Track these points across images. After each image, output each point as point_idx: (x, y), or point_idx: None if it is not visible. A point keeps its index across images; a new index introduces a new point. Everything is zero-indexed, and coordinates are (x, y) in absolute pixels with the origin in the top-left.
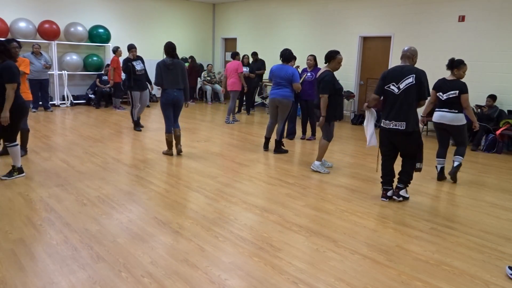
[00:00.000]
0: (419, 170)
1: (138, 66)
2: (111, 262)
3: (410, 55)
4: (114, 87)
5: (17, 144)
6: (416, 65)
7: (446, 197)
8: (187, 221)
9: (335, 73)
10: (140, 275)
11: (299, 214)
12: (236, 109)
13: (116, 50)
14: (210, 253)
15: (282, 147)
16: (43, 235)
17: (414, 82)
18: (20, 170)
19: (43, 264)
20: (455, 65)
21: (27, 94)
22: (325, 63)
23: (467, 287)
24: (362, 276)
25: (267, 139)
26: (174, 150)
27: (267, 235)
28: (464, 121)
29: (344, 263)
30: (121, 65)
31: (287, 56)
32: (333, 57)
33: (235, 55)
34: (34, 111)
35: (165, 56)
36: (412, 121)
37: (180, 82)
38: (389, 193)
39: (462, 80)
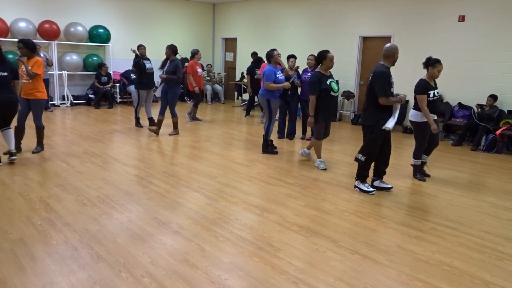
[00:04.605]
0: (357, 160)
1: (147, 65)
2: (111, 262)
3: (391, 54)
4: (189, 95)
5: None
6: (414, 65)
7: (446, 197)
8: (187, 221)
9: (334, 71)
10: (140, 275)
11: (299, 214)
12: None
13: (195, 53)
14: (210, 253)
15: (273, 148)
16: (43, 235)
17: (370, 80)
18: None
19: (43, 264)
20: (430, 63)
21: (42, 93)
22: (318, 64)
23: (467, 287)
24: (362, 276)
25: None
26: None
27: (267, 235)
28: (416, 119)
29: (344, 263)
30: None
31: (264, 58)
32: (324, 57)
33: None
34: None
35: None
36: (365, 115)
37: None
38: (375, 183)
39: (436, 79)
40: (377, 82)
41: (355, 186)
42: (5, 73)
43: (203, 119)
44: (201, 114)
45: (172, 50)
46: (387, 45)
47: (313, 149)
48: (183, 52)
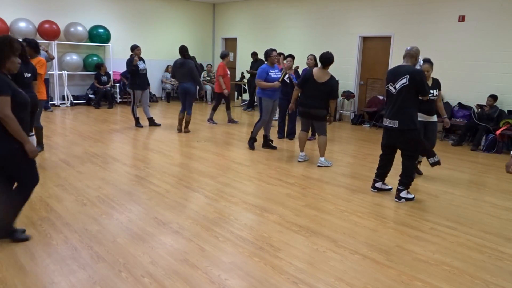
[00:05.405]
0: (436, 164)
1: (141, 65)
2: (111, 262)
3: (414, 55)
4: (223, 97)
5: None
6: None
7: (446, 197)
8: (187, 221)
9: (334, 71)
10: (140, 275)
11: (299, 214)
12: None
13: (226, 55)
14: (210, 253)
15: (267, 146)
16: (43, 235)
17: (407, 83)
18: None
19: (43, 264)
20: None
21: (42, 94)
22: (325, 66)
23: (467, 287)
24: (362, 276)
25: (264, 137)
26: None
27: (267, 235)
28: None
29: (344, 263)
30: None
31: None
32: (333, 60)
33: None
34: None
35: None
36: (405, 120)
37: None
38: (377, 185)
39: (437, 80)
40: (421, 82)
41: (400, 198)
42: (29, 74)
43: (201, 120)
44: (202, 114)
45: (178, 50)
46: (409, 47)
47: (308, 148)
48: None
